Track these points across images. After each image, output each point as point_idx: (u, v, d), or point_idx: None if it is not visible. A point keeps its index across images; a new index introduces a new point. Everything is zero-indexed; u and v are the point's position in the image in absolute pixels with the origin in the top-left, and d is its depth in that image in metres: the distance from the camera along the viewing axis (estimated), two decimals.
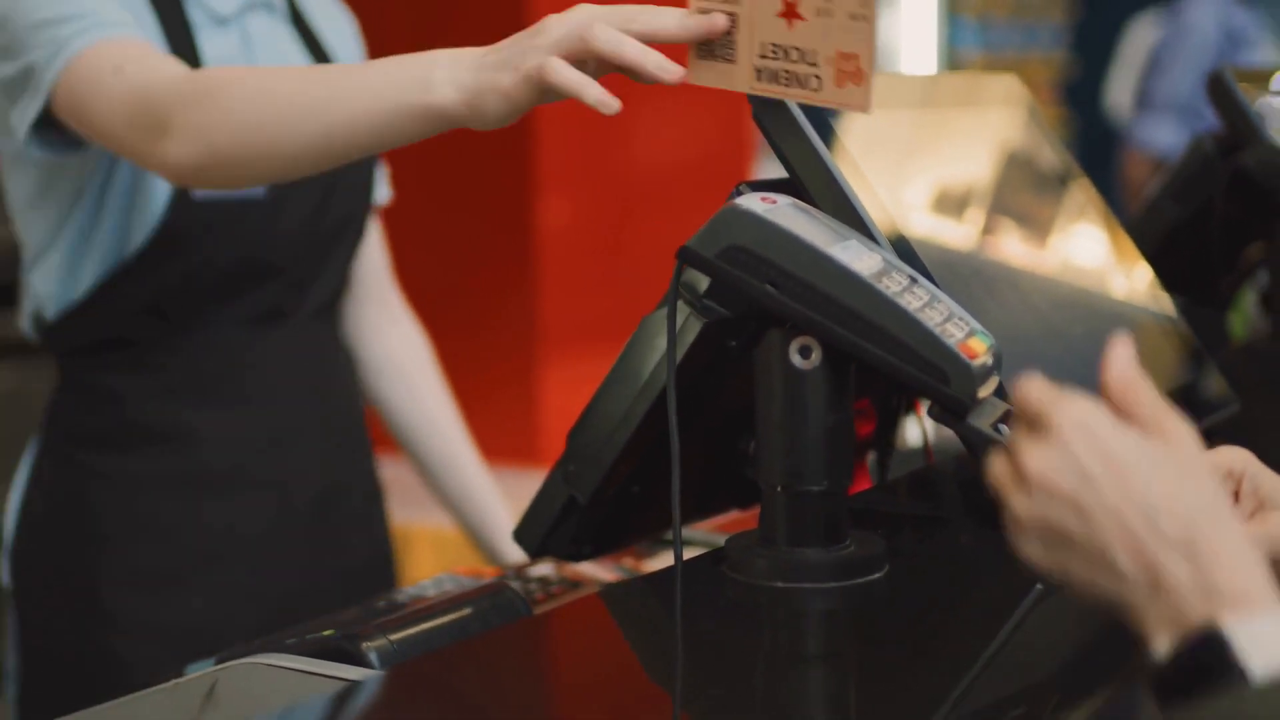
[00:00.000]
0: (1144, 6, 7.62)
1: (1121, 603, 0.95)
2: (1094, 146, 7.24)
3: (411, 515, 3.31)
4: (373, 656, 1.30)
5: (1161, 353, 1.64)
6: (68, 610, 1.88)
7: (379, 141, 1.46)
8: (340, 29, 2.06)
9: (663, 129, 4.13)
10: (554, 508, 1.45)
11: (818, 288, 1.13)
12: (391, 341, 2.15)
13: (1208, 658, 0.90)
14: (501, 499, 2.16)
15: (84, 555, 1.88)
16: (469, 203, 3.91)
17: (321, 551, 1.96)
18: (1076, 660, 1.15)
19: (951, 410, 1.15)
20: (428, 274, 3.89)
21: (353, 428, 2.06)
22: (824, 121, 1.33)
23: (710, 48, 1.30)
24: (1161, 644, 0.93)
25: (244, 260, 1.87)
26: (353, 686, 1.21)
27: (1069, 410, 0.98)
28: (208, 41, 1.85)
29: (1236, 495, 1.16)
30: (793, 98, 1.26)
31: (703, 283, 1.32)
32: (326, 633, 1.35)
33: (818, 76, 1.23)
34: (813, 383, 1.16)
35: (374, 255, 2.14)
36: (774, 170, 1.37)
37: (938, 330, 1.13)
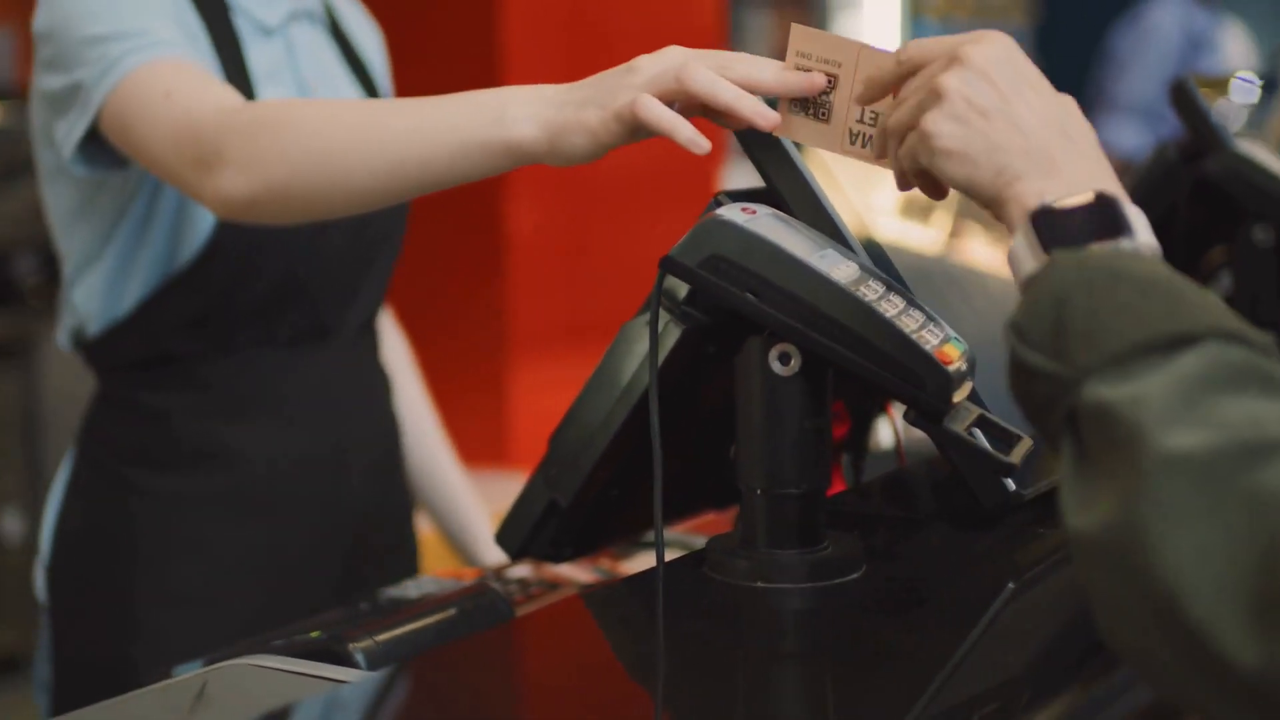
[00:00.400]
0: (1107, 8, 7.67)
1: (1008, 180, 1.09)
2: None
3: None
4: (359, 657, 1.33)
5: None
6: (103, 626, 1.87)
7: (451, 177, 1.44)
8: (371, 42, 2.08)
9: None
10: (535, 510, 1.47)
11: (797, 296, 1.16)
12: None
13: (1097, 214, 1.04)
14: (479, 502, 2.18)
15: (121, 572, 1.87)
16: (438, 207, 3.92)
17: (359, 571, 1.96)
18: (1048, 656, 1.19)
19: (927, 415, 1.18)
20: (398, 277, 3.91)
21: (392, 447, 2.06)
22: None
23: (805, 104, 1.29)
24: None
25: (290, 276, 1.86)
26: (344, 688, 1.24)
27: (990, 34, 1.13)
28: (254, 51, 1.85)
29: None
30: (885, 166, 1.25)
31: (682, 290, 1.35)
32: (314, 634, 1.38)
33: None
34: (792, 389, 1.19)
35: None
36: (742, 174, 1.40)
37: (914, 337, 1.16)
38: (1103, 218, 1.04)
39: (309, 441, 1.93)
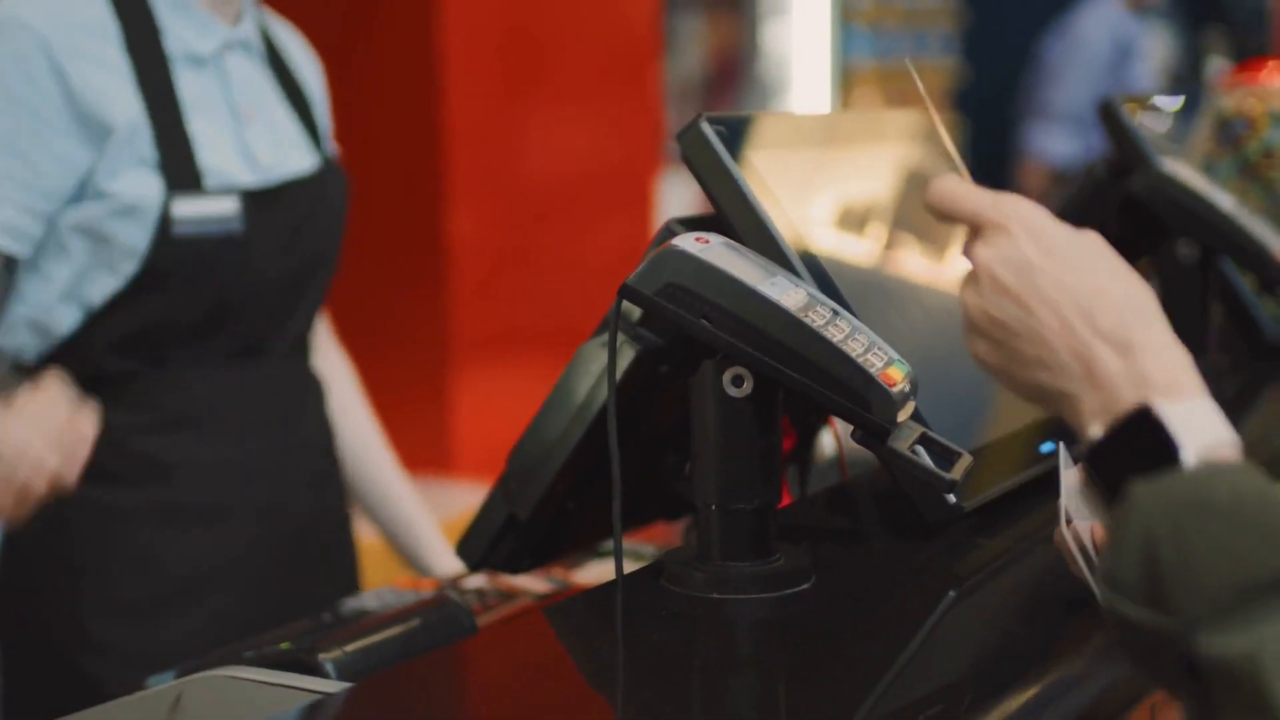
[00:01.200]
0: (1032, 15, 7.77)
1: (1059, 396, 1.02)
2: (985, 153, 7.40)
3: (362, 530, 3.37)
4: (329, 667, 1.38)
5: None
6: (50, 638, 1.93)
7: None
8: (310, 73, 2.14)
9: (571, 140, 4.20)
10: (495, 523, 1.54)
11: (749, 322, 1.22)
12: (320, 365, 2.22)
13: (1141, 434, 0.96)
14: (427, 513, 2.24)
15: (66, 584, 1.92)
16: (379, 214, 3.96)
17: (299, 579, 2.03)
18: (989, 660, 1.26)
19: (873, 434, 1.24)
20: (338, 285, 3.93)
21: (326, 456, 2.13)
22: (749, 162, 1.43)
23: None
24: (1096, 432, 1.00)
25: (220, 298, 1.92)
26: (320, 701, 1.29)
27: (1010, 206, 1.06)
28: (185, 79, 1.92)
29: None
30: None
31: (636, 313, 1.41)
32: (284, 645, 1.43)
33: None
34: (744, 409, 1.26)
35: None
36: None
37: (860, 360, 1.23)
38: (1154, 439, 0.96)
39: (246, 452, 1.99)
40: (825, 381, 1.23)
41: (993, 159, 7.20)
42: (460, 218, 3.92)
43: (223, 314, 1.94)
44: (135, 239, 1.87)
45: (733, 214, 1.40)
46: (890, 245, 1.63)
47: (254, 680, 1.36)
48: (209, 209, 1.88)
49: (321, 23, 3.94)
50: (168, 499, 1.94)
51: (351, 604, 1.67)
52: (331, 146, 2.17)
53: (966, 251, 1.09)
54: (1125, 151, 2.20)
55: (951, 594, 1.36)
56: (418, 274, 3.95)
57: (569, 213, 4.14)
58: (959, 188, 1.11)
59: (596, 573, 1.82)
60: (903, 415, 1.25)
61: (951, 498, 1.38)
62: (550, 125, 4.18)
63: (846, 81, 9.04)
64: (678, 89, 7.70)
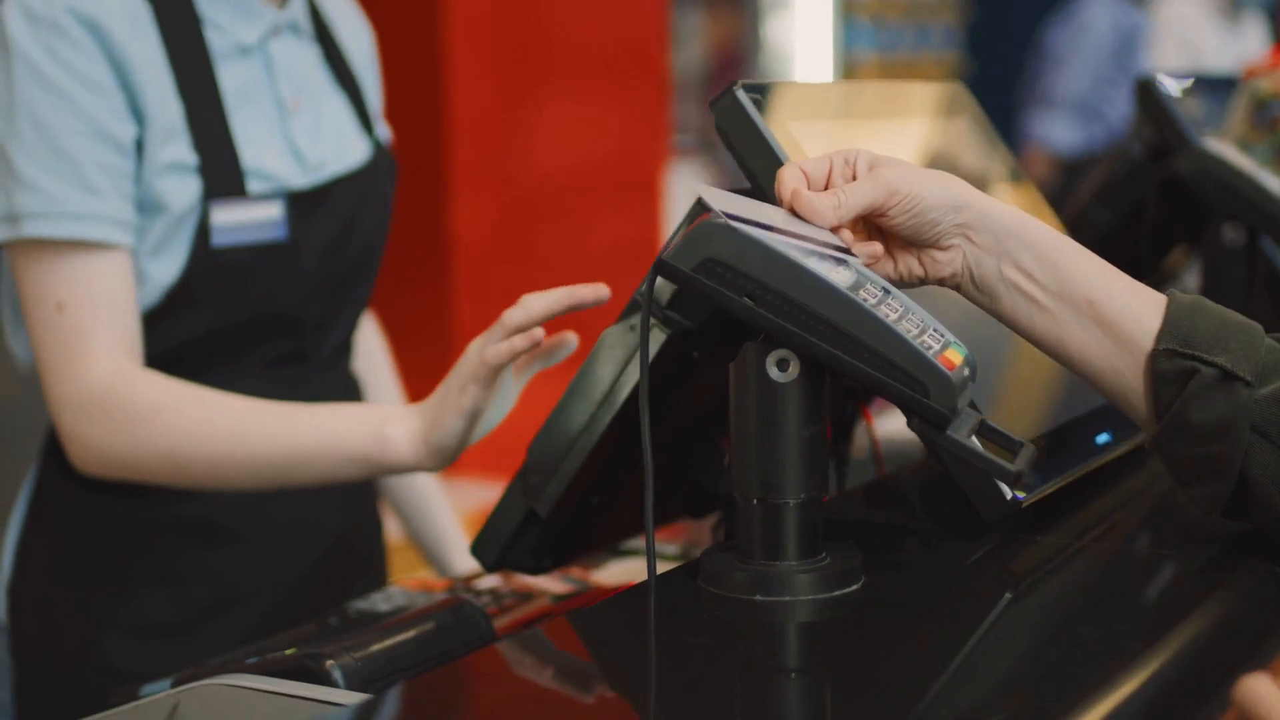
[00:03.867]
0: (1035, 8, 7.70)
1: None
2: None
3: None
4: (337, 675, 1.28)
5: None
6: (66, 650, 1.81)
7: (324, 483, 1.63)
8: (361, 43, 2.01)
9: (576, 134, 4.12)
10: (513, 521, 1.44)
11: (796, 300, 1.13)
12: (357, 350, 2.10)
13: None
14: (452, 511, 2.14)
15: (85, 600, 1.81)
16: None
17: (328, 593, 1.89)
18: (1054, 665, 1.16)
19: (932, 422, 1.14)
20: None
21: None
22: (786, 132, 1.33)
23: None
24: None
25: (263, 308, 1.78)
26: (337, 713, 1.19)
27: None
28: (228, 71, 1.77)
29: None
30: None
31: (665, 294, 1.31)
32: (289, 651, 1.33)
33: None
34: (790, 395, 1.16)
35: None
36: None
37: (916, 342, 1.13)
38: None
39: None
40: (880, 365, 1.13)
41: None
42: (463, 211, 3.84)
43: (265, 324, 1.79)
44: (173, 252, 1.73)
45: (768, 184, 1.30)
46: None
47: (256, 689, 1.27)
48: (252, 215, 1.74)
49: None
50: (195, 513, 1.81)
51: (360, 605, 1.58)
52: (384, 130, 2.03)
53: None
54: (1165, 132, 2.10)
55: (1008, 595, 1.26)
56: (420, 269, 3.87)
57: (574, 207, 4.06)
58: (1263, 688, 0.99)
59: (616, 572, 1.72)
60: (962, 402, 1.16)
61: (1009, 491, 1.28)
62: (555, 118, 4.10)
63: (849, 75, 8.96)
64: (680, 83, 7.62)
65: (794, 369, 1.16)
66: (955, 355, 1.15)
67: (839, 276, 1.15)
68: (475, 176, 3.86)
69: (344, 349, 1.95)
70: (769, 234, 1.15)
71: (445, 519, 2.09)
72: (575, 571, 1.76)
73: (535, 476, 1.40)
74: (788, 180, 1.22)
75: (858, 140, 1.47)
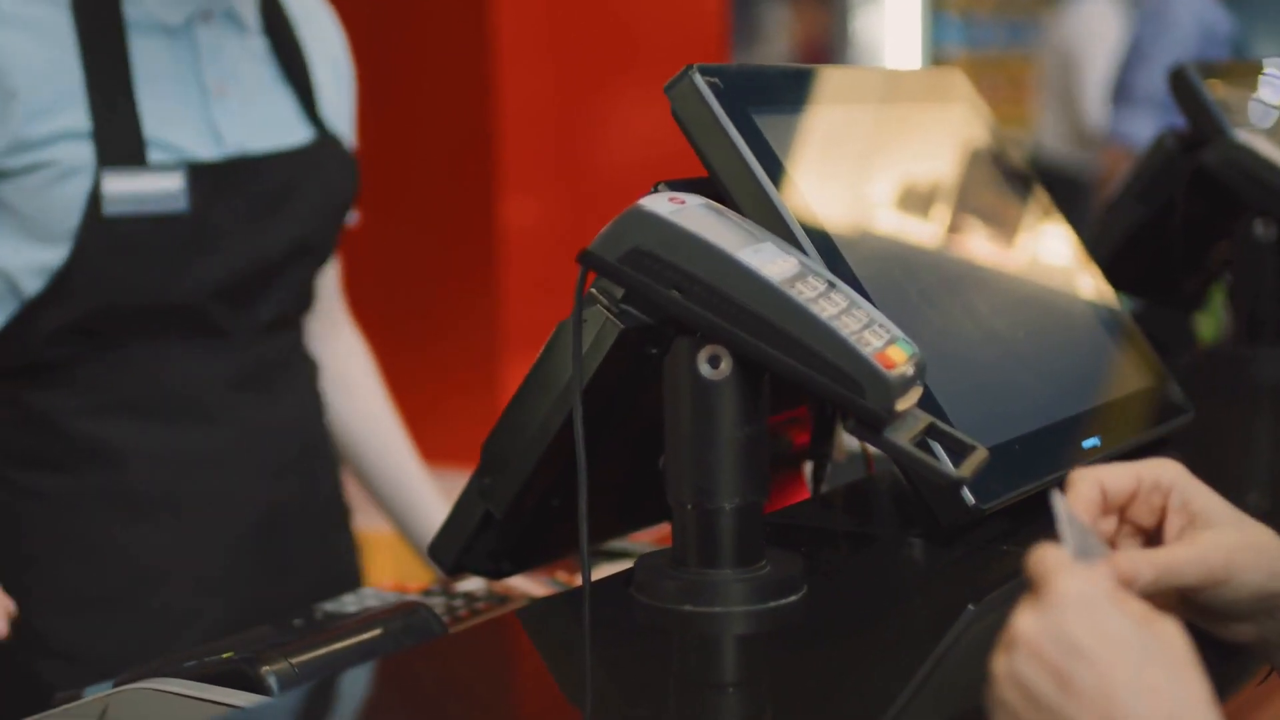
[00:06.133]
0: (1126, 2, 7.56)
1: None
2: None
3: (373, 523, 3.25)
4: (271, 681, 1.23)
5: (1111, 359, 1.58)
6: None
7: None
8: (330, 46, 1.99)
9: (627, 128, 4.07)
10: (470, 522, 1.38)
11: (723, 293, 1.06)
12: (334, 351, 2.08)
13: None
14: (446, 508, 2.09)
15: (11, 575, 1.77)
16: (432, 208, 3.85)
17: (271, 571, 1.88)
18: None
19: (867, 423, 1.08)
20: (391, 280, 3.84)
21: (309, 443, 1.98)
22: (747, 119, 1.27)
23: None
24: None
25: (167, 283, 1.77)
26: (239, 714, 1.14)
27: (1073, 579, 0.92)
28: (145, 45, 1.77)
29: (1165, 511, 1.09)
30: None
31: (620, 288, 1.26)
32: (226, 655, 1.29)
33: None
34: (722, 393, 1.10)
35: (327, 268, 2.07)
36: None
37: (852, 339, 1.06)
38: None
39: (205, 441, 1.84)
40: (811, 362, 1.06)
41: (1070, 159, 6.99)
42: (513, 208, 3.80)
43: (172, 299, 1.77)
44: (62, 218, 1.72)
45: (724, 174, 1.24)
46: (918, 219, 1.47)
47: (184, 695, 1.22)
48: (149, 185, 1.72)
49: (373, 8, 3.84)
50: (118, 488, 1.79)
51: (328, 607, 1.53)
52: (343, 126, 1.99)
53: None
54: (1197, 122, 2.02)
55: (969, 608, 1.19)
56: (470, 265, 3.83)
57: (622, 206, 4.00)
58: (1051, 557, 0.95)
59: (600, 575, 1.66)
60: (904, 403, 1.09)
61: (969, 496, 1.21)
62: (608, 115, 4.05)
63: None
64: None
65: (726, 365, 1.09)
66: (898, 353, 1.08)
67: (775, 269, 1.09)
68: (526, 173, 3.82)
69: (279, 327, 1.91)
70: (699, 222, 1.09)
71: (435, 515, 2.05)
72: (560, 574, 1.70)
73: (490, 477, 1.34)
74: (1083, 494, 1.08)
75: (838, 131, 1.40)
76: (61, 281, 1.73)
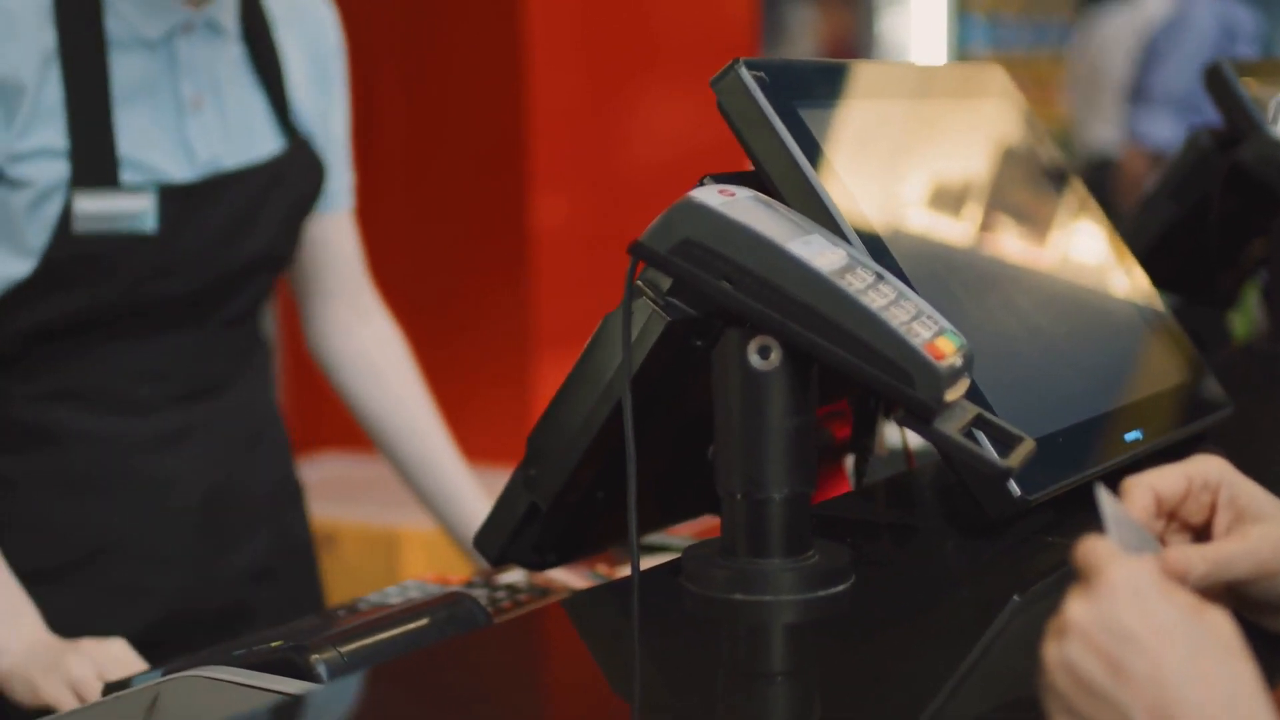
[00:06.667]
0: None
1: None
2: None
3: (402, 517, 3.26)
4: (321, 669, 1.25)
5: (1151, 353, 1.58)
6: None
7: None
8: (325, 42, 2.01)
9: (658, 126, 4.08)
10: (515, 514, 1.39)
11: (774, 284, 1.07)
12: (362, 340, 2.10)
13: None
14: (484, 497, 2.09)
15: None
16: (462, 203, 3.86)
17: (213, 551, 1.93)
18: None
19: (917, 414, 1.09)
20: (421, 275, 3.85)
21: (257, 425, 2.01)
22: (793, 112, 1.28)
23: None
24: None
25: (131, 298, 1.81)
26: (293, 701, 1.16)
27: (1123, 568, 0.93)
28: (125, 62, 1.80)
29: (1213, 507, 1.10)
30: None
31: (666, 280, 1.26)
32: (274, 644, 1.30)
33: None
34: (772, 384, 1.11)
35: (347, 255, 2.09)
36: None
37: (902, 330, 1.07)
38: None
39: (150, 424, 1.88)
40: (861, 352, 1.07)
41: (1109, 150, 6.99)
42: (544, 206, 3.81)
43: (135, 307, 1.82)
44: (34, 234, 1.76)
45: (770, 167, 1.25)
46: (964, 216, 1.47)
47: (235, 682, 1.23)
48: (119, 206, 1.76)
49: (406, 8, 3.86)
50: (61, 467, 1.85)
51: (370, 599, 1.54)
52: (316, 125, 2.00)
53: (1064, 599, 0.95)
54: (1233, 119, 2.02)
55: (1015, 598, 1.20)
56: (501, 263, 3.84)
57: (657, 203, 3.99)
58: (1101, 547, 0.96)
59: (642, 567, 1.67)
60: (953, 394, 1.10)
61: (1015, 487, 1.22)
62: (639, 113, 4.06)
63: None
64: None
65: (776, 356, 1.10)
66: (947, 344, 1.09)
67: (825, 260, 1.10)
68: (555, 171, 3.83)
69: (237, 321, 1.95)
70: (750, 214, 1.10)
71: (481, 511, 2.06)
72: (600, 567, 1.71)
73: (535, 469, 1.35)
74: (1138, 501, 1.09)
75: (882, 126, 1.41)
76: (22, 290, 1.78)
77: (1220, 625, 0.91)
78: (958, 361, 1.10)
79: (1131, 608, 0.91)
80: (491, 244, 3.83)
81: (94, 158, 1.76)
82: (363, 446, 2.57)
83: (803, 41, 8.49)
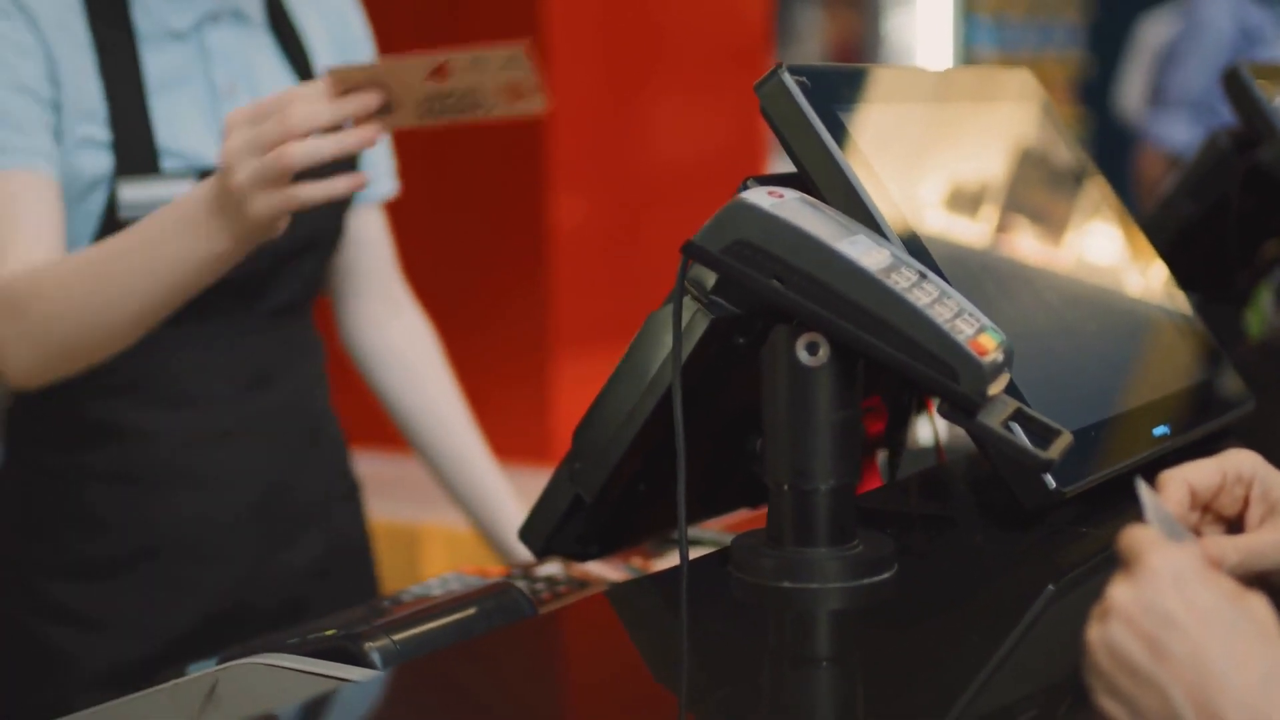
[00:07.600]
0: (1159, 4, 7.58)
1: None
2: (1110, 145, 7.21)
3: (424, 513, 3.29)
4: (375, 656, 1.28)
5: (1176, 350, 1.62)
6: (6, 599, 1.89)
7: (191, 292, 1.65)
8: (348, 26, 2.04)
9: (675, 126, 4.11)
10: (560, 506, 1.43)
11: (824, 283, 1.11)
12: (393, 334, 2.13)
13: None
14: (513, 494, 2.13)
15: (22, 547, 1.89)
16: (481, 201, 3.89)
17: (269, 547, 1.96)
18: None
19: (961, 408, 1.13)
20: (440, 272, 3.88)
21: (311, 423, 2.04)
22: (834, 116, 1.32)
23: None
24: None
25: None
26: (354, 686, 1.19)
27: (1165, 554, 0.96)
28: (157, 54, 1.84)
29: (1246, 500, 1.14)
30: (468, 120, 1.49)
31: (710, 278, 1.30)
32: (329, 632, 1.34)
33: (489, 103, 1.48)
34: (820, 379, 1.15)
35: (378, 248, 2.12)
36: (785, 167, 1.36)
37: (947, 326, 1.11)
38: None
39: (209, 419, 1.92)
40: (908, 349, 1.11)
41: (1118, 152, 7.01)
42: (563, 205, 3.84)
43: None
44: (82, 225, 1.80)
45: (814, 170, 1.28)
46: (995, 216, 1.51)
47: (292, 669, 1.27)
48: (162, 192, 1.80)
49: (425, 6, 3.89)
50: (124, 462, 1.88)
51: (413, 590, 1.58)
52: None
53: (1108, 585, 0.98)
54: (1251, 121, 2.06)
55: (1050, 587, 1.23)
56: (520, 262, 3.87)
57: (674, 202, 4.04)
58: (1143, 534, 0.99)
59: (675, 561, 1.71)
60: (995, 388, 1.14)
61: (1051, 480, 1.26)
62: (656, 113, 4.09)
63: None
64: None
65: (824, 353, 1.14)
66: (989, 340, 1.13)
67: (871, 259, 1.14)
68: (574, 170, 3.86)
69: (285, 313, 1.98)
70: (799, 215, 1.14)
71: (509, 508, 2.09)
72: (635, 560, 1.75)
73: (580, 462, 1.39)
74: (1173, 495, 1.13)
75: (921, 129, 1.45)
76: None
77: (1259, 610, 0.95)
78: (999, 357, 1.13)
79: (1172, 592, 0.95)
80: (510, 243, 3.86)
81: (135, 147, 1.80)
82: (382, 443, 2.61)
83: (809, 43, 8.53)
